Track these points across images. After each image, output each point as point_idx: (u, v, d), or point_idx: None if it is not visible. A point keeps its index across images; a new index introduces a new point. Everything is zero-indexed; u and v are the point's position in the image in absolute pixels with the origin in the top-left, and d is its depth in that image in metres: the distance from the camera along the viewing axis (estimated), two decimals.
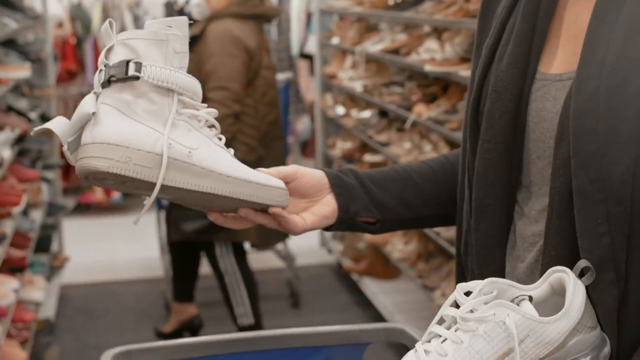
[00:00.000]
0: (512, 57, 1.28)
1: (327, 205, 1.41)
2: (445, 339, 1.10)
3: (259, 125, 4.25)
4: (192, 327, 4.74)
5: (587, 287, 1.14)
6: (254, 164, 4.23)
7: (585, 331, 1.12)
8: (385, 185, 1.47)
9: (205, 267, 5.89)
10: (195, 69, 4.15)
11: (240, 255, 4.39)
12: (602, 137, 1.12)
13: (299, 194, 1.41)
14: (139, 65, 1.21)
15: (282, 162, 4.50)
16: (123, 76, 1.20)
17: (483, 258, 1.32)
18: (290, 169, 1.41)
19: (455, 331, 1.10)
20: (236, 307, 4.36)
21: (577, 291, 1.11)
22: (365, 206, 1.44)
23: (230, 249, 4.33)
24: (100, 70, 1.22)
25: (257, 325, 4.36)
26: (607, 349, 1.13)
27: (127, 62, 1.21)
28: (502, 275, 1.31)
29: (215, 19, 4.21)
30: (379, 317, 4.81)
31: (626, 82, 1.12)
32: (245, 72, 4.13)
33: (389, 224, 1.48)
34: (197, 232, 4.20)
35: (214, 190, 1.26)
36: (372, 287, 5.13)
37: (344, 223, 1.43)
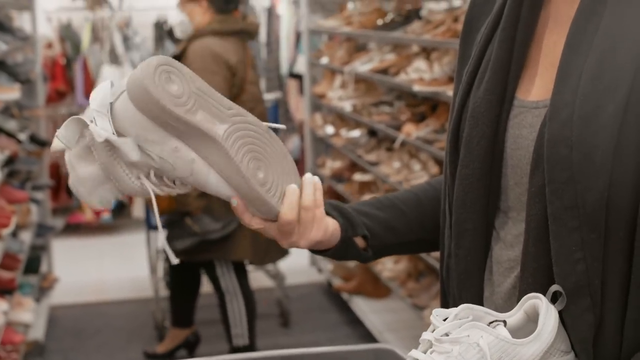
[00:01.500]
0: (490, 84, 1.29)
1: (330, 225, 1.42)
2: None
3: None
4: (188, 345, 4.74)
5: (562, 313, 1.15)
6: None
7: (559, 355, 1.13)
8: (370, 213, 1.49)
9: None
10: None
11: (241, 275, 4.38)
12: (576, 164, 1.13)
13: None
14: None
15: None
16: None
17: (463, 283, 1.33)
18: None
19: (431, 353, 1.12)
20: (233, 327, 4.35)
21: (550, 315, 1.12)
22: (360, 226, 1.46)
23: (231, 268, 4.32)
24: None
25: (250, 347, 4.35)
26: None
27: None
28: (480, 300, 1.32)
29: (196, 38, 4.23)
30: (369, 336, 4.81)
31: (598, 110, 1.13)
32: (228, 88, 4.14)
33: (376, 250, 1.49)
34: (187, 252, 4.20)
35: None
36: (362, 306, 5.13)
37: (342, 245, 1.44)
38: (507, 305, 1.27)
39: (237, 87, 4.22)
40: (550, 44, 1.27)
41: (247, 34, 4.39)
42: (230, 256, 4.27)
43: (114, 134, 1.24)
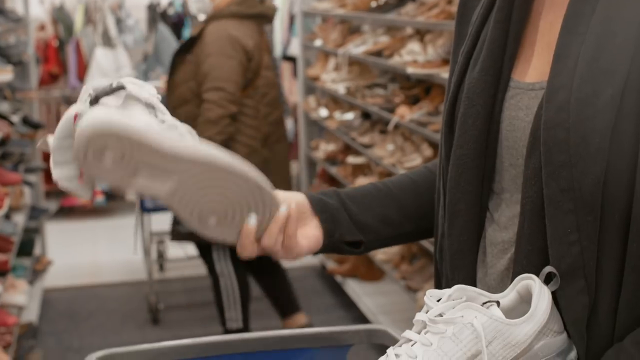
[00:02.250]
0: (485, 64, 1.29)
1: (316, 229, 1.41)
2: (415, 342, 1.12)
3: (260, 126, 4.24)
4: None
5: (556, 295, 1.15)
6: (259, 166, 4.23)
7: (552, 335, 1.14)
8: (365, 204, 1.47)
9: (193, 269, 5.89)
10: (193, 70, 4.15)
11: (237, 259, 4.38)
12: (573, 147, 1.13)
13: None
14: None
15: (286, 164, 4.46)
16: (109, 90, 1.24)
17: (455, 263, 1.33)
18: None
19: (425, 334, 1.12)
20: (227, 311, 4.34)
21: (543, 295, 1.13)
22: (349, 229, 1.44)
23: (227, 252, 4.32)
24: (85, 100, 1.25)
25: (244, 330, 4.36)
26: (573, 354, 1.15)
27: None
28: (473, 282, 1.32)
29: (214, 19, 4.21)
30: (362, 319, 4.82)
31: (596, 93, 1.12)
32: (243, 73, 4.13)
33: (372, 244, 1.48)
34: (192, 234, 4.20)
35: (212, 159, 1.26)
36: (356, 289, 5.14)
37: (329, 247, 1.44)
38: (500, 286, 1.27)
39: (252, 72, 4.21)
40: (547, 24, 1.26)
41: (264, 18, 4.38)
42: None
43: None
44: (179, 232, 4.34)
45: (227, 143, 4.07)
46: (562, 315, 1.16)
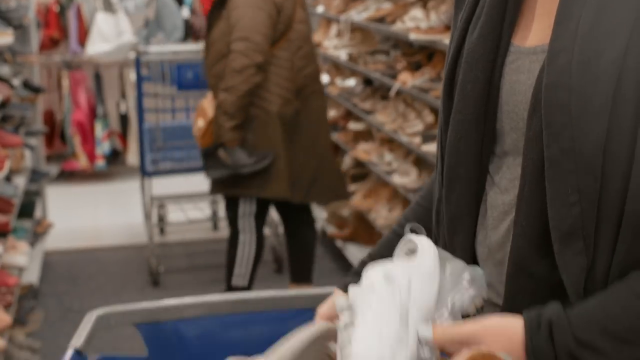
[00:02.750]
0: (484, 29, 1.29)
1: None
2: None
3: (294, 79, 4.24)
4: None
5: (555, 256, 1.17)
6: (291, 116, 4.25)
7: (450, 259, 1.22)
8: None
9: (193, 232, 5.90)
10: (227, 25, 4.15)
11: (260, 218, 4.39)
12: (574, 109, 1.13)
13: None
14: None
15: (321, 117, 4.44)
16: None
17: (454, 227, 1.33)
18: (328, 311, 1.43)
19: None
20: (237, 267, 4.36)
21: (421, 236, 1.22)
22: None
23: (254, 209, 4.33)
24: None
25: (247, 290, 4.38)
26: (479, 270, 1.23)
27: None
28: (472, 245, 1.33)
29: None
30: None
31: (598, 55, 1.13)
32: (272, 25, 4.13)
33: None
34: (220, 183, 4.21)
35: None
36: (356, 254, 5.15)
37: None
38: (501, 250, 1.28)
39: (283, 24, 4.20)
40: None
41: None
42: (265, 193, 4.25)
43: None
44: (217, 185, 4.33)
45: (258, 92, 4.10)
46: (561, 275, 1.16)
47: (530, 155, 1.19)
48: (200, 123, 4.25)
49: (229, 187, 4.27)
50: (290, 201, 4.36)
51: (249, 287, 4.39)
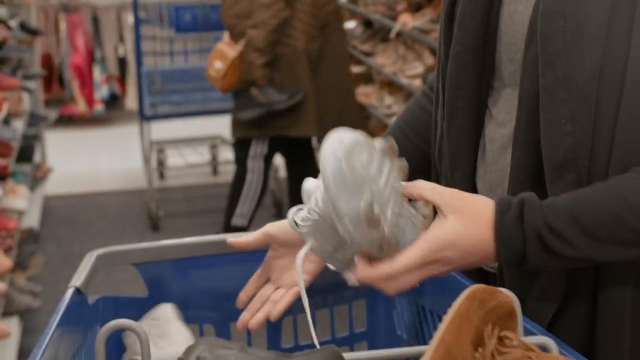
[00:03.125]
0: None
1: None
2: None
3: (318, 15, 4.22)
4: None
5: (547, 188, 1.15)
6: (315, 54, 4.21)
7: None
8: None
9: (193, 177, 5.90)
10: None
11: (268, 160, 4.39)
12: (570, 35, 1.12)
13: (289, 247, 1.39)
14: None
15: (343, 54, 4.42)
16: None
17: (455, 162, 1.32)
18: (258, 239, 1.42)
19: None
20: (240, 206, 4.37)
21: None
22: None
23: (265, 150, 4.32)
24: None
25: (245, 230, 4.38)
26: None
27: None
28: (473, 179, 1.32)
29: None
30: None
31: None
32: None
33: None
34: (254, 123, 4.20)
35: None
36: None
37: None
38: (501, 184, 1.27)
39: None
40: None
41: None
42: (296, 131, 4.24)
43: None
44: (243, 121, 4.30)
45: (284, 29, 4.08)
46: None
47: (526, 85, 1.19)
48: (219, 65, 4.20)
49: (256, 127, 4.25)
50: (319, 140, 4.36)
51: (246, 230, 4.39)
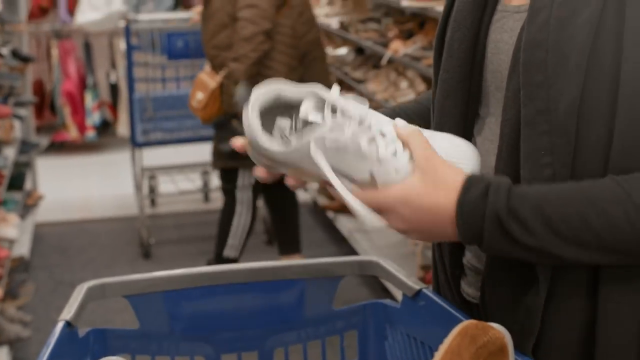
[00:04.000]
0: None
1: None
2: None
3: (298, 45, 4.23)
4: None
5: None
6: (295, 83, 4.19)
7: None
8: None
9: (184, 204, 5.89)
10: None
11: (257, 190, 4.38)
12: (551, 67, 1.13)
13: None
14: None
15: (325, 83, 4.42)
16: None
17: None
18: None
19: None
20: (231, 238, 4.35)
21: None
22: None
23: (253, 180, 4.31)
24: None
25: (236, 261, 4.37)
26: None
27: None
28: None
29: None
30: (354, 254, 4.83)
31: (575, 13, 1.12)
32: None
33: None
34: (234, 155, 4.18)
35: None
36: (348, 225, 5.14)
37: None
38: None
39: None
40: None
41: None
42: None
43: None
44: (224, 153, 4.29)
45: (263, 61, 4.09)
46: None
47: (508, 115, 1.19)
48: (200, 96, 4.21)
49: (238, 158, 4.23)
50: None
51: (237, 260, 4.38)
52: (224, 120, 4.18)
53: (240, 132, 4.34)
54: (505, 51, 1.23)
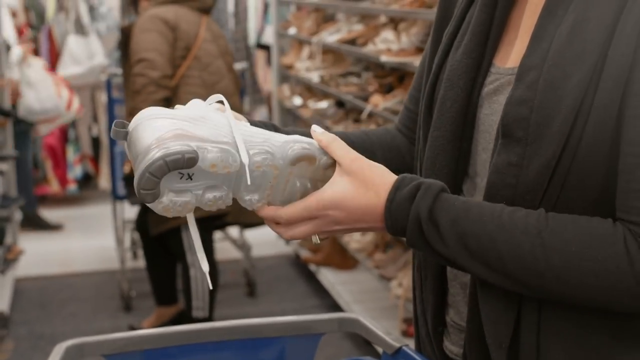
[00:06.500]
0: (468, 48, 1.29)
1: None
2: None
3: (208, 95, 4.24)
4: (176, 324, 4.64)
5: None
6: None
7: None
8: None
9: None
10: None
11: (207, 247, 4.34)
12: (533, 126, 1.14)
13: None
14: None
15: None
16: None
17: None
18: None
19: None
20: (195, 300, 4.31)
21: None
22: None
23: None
24: None
25: (209, 319, 4.33)
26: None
27: None
28: (444, 267, 1.34)
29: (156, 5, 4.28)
30: (336, 307, 4.82)
31: (566, 77, 1.13)
32: (165, 42, 4.14)
33: None
34: (163, 219, 4.14)
35: None
36: (330, 277, 5.13)
37: None
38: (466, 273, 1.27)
39: (184, 41, 4.20)
40: (532, 6, 1.26)
41: (201, 5, 4.37)
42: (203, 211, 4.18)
43: None
44: (160, 222, 4.28)
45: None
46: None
47: (492, 176, 1.20)
48: None
49: (167, 219, 4.08)
50: (227, 221, 4.41)
51: (210, 316, 4.34)
52: (131, 176, 4.15)
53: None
54: (498, 112, 1.23)
